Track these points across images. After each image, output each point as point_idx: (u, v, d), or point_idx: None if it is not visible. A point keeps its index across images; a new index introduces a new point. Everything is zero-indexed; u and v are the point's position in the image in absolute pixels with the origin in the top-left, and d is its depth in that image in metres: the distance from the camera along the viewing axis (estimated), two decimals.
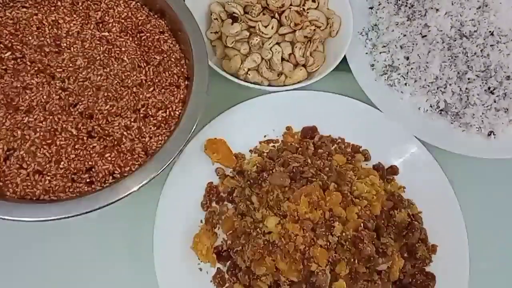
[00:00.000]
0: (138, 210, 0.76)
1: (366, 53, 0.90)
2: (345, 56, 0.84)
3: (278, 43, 0.84)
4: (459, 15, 0.87)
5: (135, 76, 0.72)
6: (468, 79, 0.85)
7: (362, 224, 0.70)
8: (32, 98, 0.68)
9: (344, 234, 0.68)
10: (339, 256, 0.67)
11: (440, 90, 0.85)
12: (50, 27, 0.73)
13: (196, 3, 0.82)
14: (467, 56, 0.86)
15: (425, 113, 0.86)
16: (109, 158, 0.67)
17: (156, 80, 0.73)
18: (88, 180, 0.65)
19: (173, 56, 0.75)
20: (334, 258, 0.67)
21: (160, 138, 0.69)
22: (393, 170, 0.82)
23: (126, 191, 0.63)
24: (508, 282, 0.80)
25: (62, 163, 0.65)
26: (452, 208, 0.78)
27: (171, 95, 0.72)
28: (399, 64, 0.87)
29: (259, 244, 0.68)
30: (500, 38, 0.87)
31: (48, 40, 0.72)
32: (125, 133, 0.68)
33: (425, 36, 0.87)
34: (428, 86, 0.86)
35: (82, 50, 0.72)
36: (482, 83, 0.85)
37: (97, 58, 0.72)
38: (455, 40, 0.87)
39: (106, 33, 0.74)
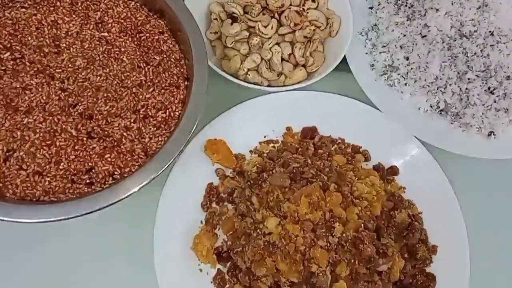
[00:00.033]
0: (138, 211, 0.76)
1: (366, 53, 0.90)
2: (345, 56, 0.84)
3: (277, 43, 0.84)
4: (459, 15, 0.87)
5: (134, 77, 0.72)
6: (468, 79, 0.85)
7: (362, 225, 0.70)
8: (32, 98, 0.68)
9: (344, 234, 0.68)
10: (339, 257, 0.67)
11: (440, 90, 0.85)
12: (49, 27, 0.73)
13: (196, 3, 0.82)
14: (467, 56, 0.86)
15: (425, 113, 0.86)
16: (109, 159, 0.66)
17: (156, 81, 0.72)
18: (88, 181, 0.65)
19: (173, 57, 0.75)
20: (334, 259, 0.67)
21: (160, 139, 0.69)
22: (393, 170, 0.82)
23: (126, 192, 0.63)
24: (509, 283, 0.80)
25: (62, 164, 0.65)
26: (452, 209, 0.78)
27: (171, 95, 0.72)
28: (399, 64, 0.87)
29: (260, 245, 0.68)
30: (500, 38, 0.87)
31: (47, 40, 0.72)
32: (125, 134, 0.68)
33: (425, 36, 0.87)
34: (428, 86, 0.85)
35: (81, 50, 0.72)
36: (482, 83, 0.85)
37: (97, 59, 0.72)
38: (455, 40, 0.87)
39: (106, 34, 0.74)
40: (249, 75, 0.83)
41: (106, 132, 0.68)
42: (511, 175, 0.87)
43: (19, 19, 0.72)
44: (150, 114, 0.70)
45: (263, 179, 0.74)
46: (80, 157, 0.66)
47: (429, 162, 0.81)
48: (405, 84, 0.86)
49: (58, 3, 0.74)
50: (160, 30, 0.76)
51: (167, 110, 0.71)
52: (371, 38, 0.90)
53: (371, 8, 0.93)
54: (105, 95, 0.70)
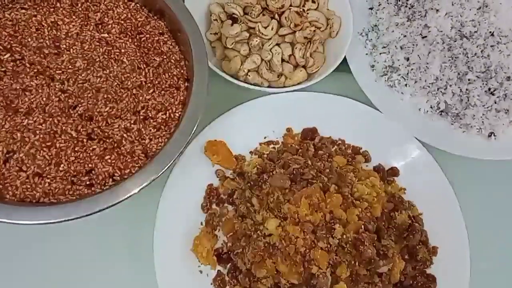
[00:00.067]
0: (138, 212, 0.75)
1: (366, 53, 0.90)
2: (345, 57, 0.84)
3: (278, 44, 0.84)
4: (459, 16, 0.87)
5: (134, 78, 0.72)
6: (469, 80, 0.85)
7: (362, 226, 0.70)
8: (32, 100, 0.68)
9: (344, 236, 0.68)
10: (339, 258, 0.67)
11: (441, 91, 0.85)
12: (49, 28, 0.72)
13: (196, 4, 0.82)
14: (467, 57, 0.86)
15: (426, 114, 0.86)
16: (109, 161, 0.66)
17: (156, 82, 0.72)
18: (88, 182, 0.65)
19: (173, 58, 0.75)
20: (334, 260, 0.67)
21: (160, 140, 0.69)
22: (394, 171, 0.81)
23: (126, 194, 0.63)
24: (509, 283, 0.80)
25: (61, 165, 0.65)
26: (453, 210, 0.78)
27: (171, 96, 0.72)
28: (399, 65, 0.87)
29: (260, 247, 0.68)
30: (500, 38, 0.87)
31: (47, 41, 0.72)
32: (125, 135, 0.68)
33: (425, 36, 0.87)
34: (429, 87, 0.85)
35: (81, 51, 0.72)
36: (483, 84, 0.85)
37: (97, 60, 0.72)
38: (455, 41, 0.87)
39: (106, 35, 0.74)
40: (249, 76, 0.83)
41: (106, 134, 0.68)
42: (511, 176, 0.87)
43: (19, 20, 0.72)
44: (150, 115, 0.70)
45: (263, 180, 0.74)
46: (80, 158, 0.66)
47: (429, 163, 0.81)
48: (406, 84, 0.86)
49: (58, 4, 0.74)
50: (160, 31, 0.76)
51: (167, 111, 0.71)
52: (371, 39, 0.90)
53: (371, 8, 0.93)
54: (105, 96, 0.69)
